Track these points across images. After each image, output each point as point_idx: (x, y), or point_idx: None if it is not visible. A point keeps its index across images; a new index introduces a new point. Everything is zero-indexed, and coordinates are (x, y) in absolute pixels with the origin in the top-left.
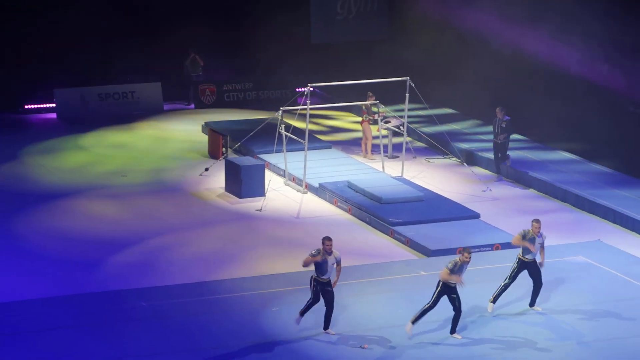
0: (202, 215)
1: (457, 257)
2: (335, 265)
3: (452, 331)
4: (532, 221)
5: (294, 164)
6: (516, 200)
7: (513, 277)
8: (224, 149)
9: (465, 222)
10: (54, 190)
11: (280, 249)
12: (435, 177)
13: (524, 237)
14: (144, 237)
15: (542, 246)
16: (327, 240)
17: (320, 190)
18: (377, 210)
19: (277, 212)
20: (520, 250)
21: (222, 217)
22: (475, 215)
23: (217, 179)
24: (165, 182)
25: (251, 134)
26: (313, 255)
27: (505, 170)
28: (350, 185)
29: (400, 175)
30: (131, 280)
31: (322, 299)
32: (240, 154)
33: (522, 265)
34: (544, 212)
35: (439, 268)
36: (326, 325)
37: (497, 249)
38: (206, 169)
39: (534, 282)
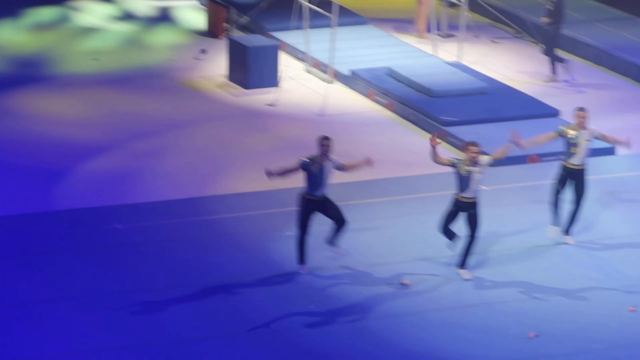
0: (196, 112)
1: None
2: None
3: (460, 265)
4: (576, 110)
5: (318, 44)
6: (611, 94)
7: (557, 189)
8: (226, 25)
9: (541, 122)
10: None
11: (298, 155)
12: (503, 62)
13: (561, 133)
14: (120, 141)
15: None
16: (324, 140)
17: (351, 80)
18: (426, 106)
19: (294, 107)
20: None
21: (222, 114)
22: (554, 113)
23: (217, 65)
24: (148, 68)
25: (262, 3)
26: (304, 164)
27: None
28: (391, 73)
29: (456, 60)
30: (103, 195)
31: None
32: (248, 32)
33: (565, 173)
34: None
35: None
36: (332, 241)
37: None
38: (203, 51)
39: (575, 198)
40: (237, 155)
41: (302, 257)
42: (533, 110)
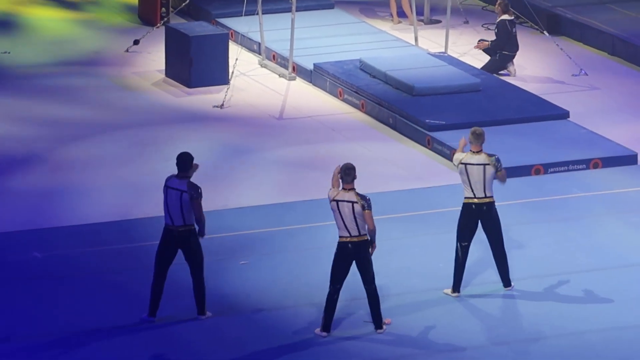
0: (128, 116)
1: None
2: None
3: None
4: (471, 132)
5: (275, 33)
6: (628, 90)
7: (465, 237)
8: (163, 10)
9: (546, 125)
10: None
11: (252, 167)
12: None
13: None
14: (37, 153)
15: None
16: (182, 157)
17: (316, 75)
18: (407, 107)
19: (247, 109)
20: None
21: (160, 117)
22: (563, 114)
23: (152, 58)
24: (69, 62)
25: None
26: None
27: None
28: (363, 67)
29: (443, 51)
30: (18, 219)
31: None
32: (190, 18)
33: (467, 212)
34: None
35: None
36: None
37: (595, 166)
38: (135, 42)
39: (490, 244)
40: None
41: (151, 305)
42: (536, 111)
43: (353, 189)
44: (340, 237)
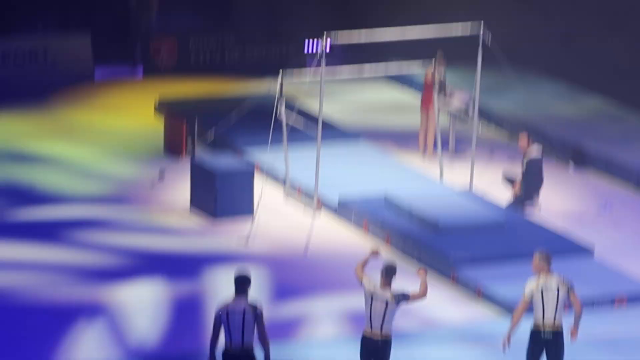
0: (152, 252)
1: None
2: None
3: None
4: (540, 256)
5: (301, 164)
6: None
7: None
8: (189, 143)
9: (571, 261)
10: None
11: (280, 311)
12: None
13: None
14: (55, 296)
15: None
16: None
17: (342, 209)
18: (432, 242)
19: (272, 245)
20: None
21: (185, 254)
22: (587, 250)
23: (178, 191)
24: (95, 196)
25: (232, 117)
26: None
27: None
28: (389, 202)
29: (468, 183)
30: None
31: None
32: (216, 150)
33: (535, 341)
34: None
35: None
36: None
37: (620, 304)
38: (161, 176)
39: None
40: (202, 314)
41: None
42: (560, 247)
43: (390, 286)
44: (364, 329)
